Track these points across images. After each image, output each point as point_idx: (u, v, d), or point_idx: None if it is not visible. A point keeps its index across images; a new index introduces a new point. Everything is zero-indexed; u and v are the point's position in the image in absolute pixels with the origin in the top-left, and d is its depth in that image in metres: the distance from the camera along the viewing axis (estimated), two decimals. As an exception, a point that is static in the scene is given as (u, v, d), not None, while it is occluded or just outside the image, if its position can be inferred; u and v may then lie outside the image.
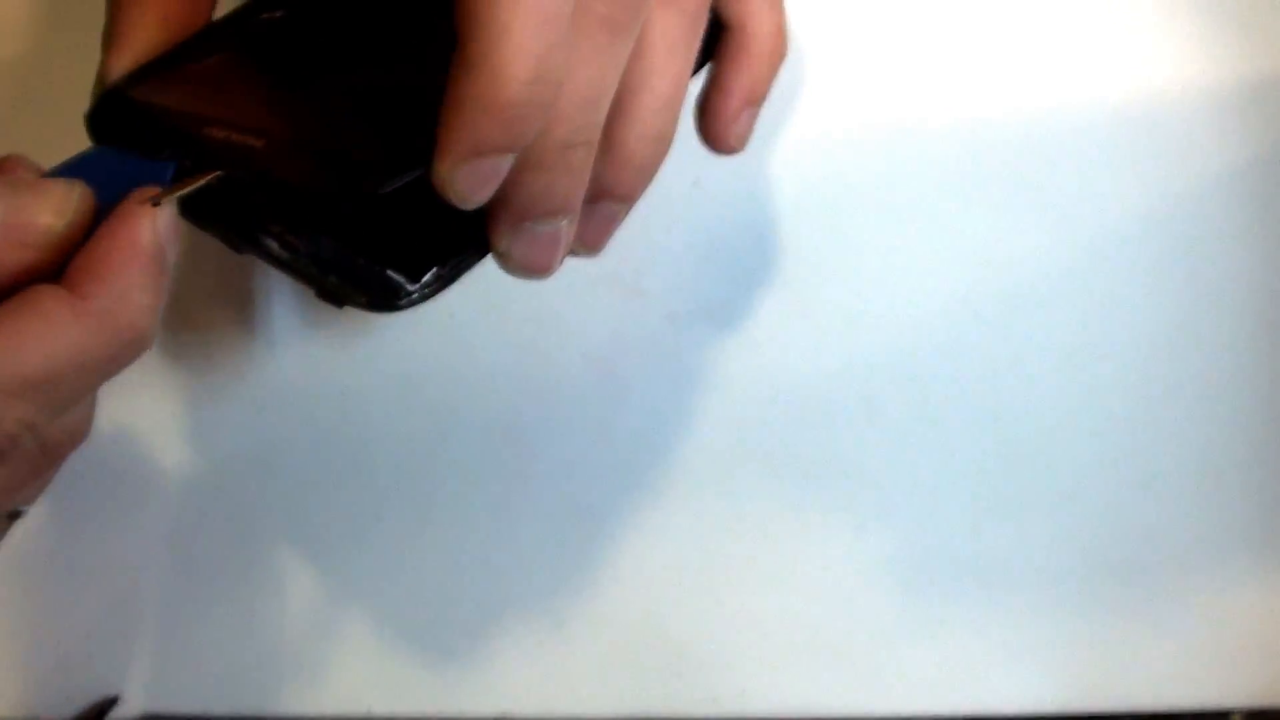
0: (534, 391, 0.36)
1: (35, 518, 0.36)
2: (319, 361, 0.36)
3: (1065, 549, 0.36)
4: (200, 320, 0.36)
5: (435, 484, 0.36)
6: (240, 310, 0.36)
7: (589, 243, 0.27)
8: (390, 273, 0.25)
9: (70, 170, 0.24)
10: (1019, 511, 0.36)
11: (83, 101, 0.26)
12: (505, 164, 0.23)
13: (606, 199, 0.26)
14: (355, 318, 0.36)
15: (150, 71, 0.25)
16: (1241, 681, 0.37)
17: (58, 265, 0.23)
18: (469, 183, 0.23)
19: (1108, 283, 0.36)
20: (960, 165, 0.36)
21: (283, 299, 0.36)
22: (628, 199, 0.27)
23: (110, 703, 0.36)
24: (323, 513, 0.36)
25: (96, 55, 0.26)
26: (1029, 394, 0.36)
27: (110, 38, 0.26)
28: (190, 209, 0.25)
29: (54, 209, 0.23)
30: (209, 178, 0.24)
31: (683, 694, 0.37)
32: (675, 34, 0.25)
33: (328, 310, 0.36)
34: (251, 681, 0.37)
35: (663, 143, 0.26)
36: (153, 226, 0.23)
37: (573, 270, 0.36)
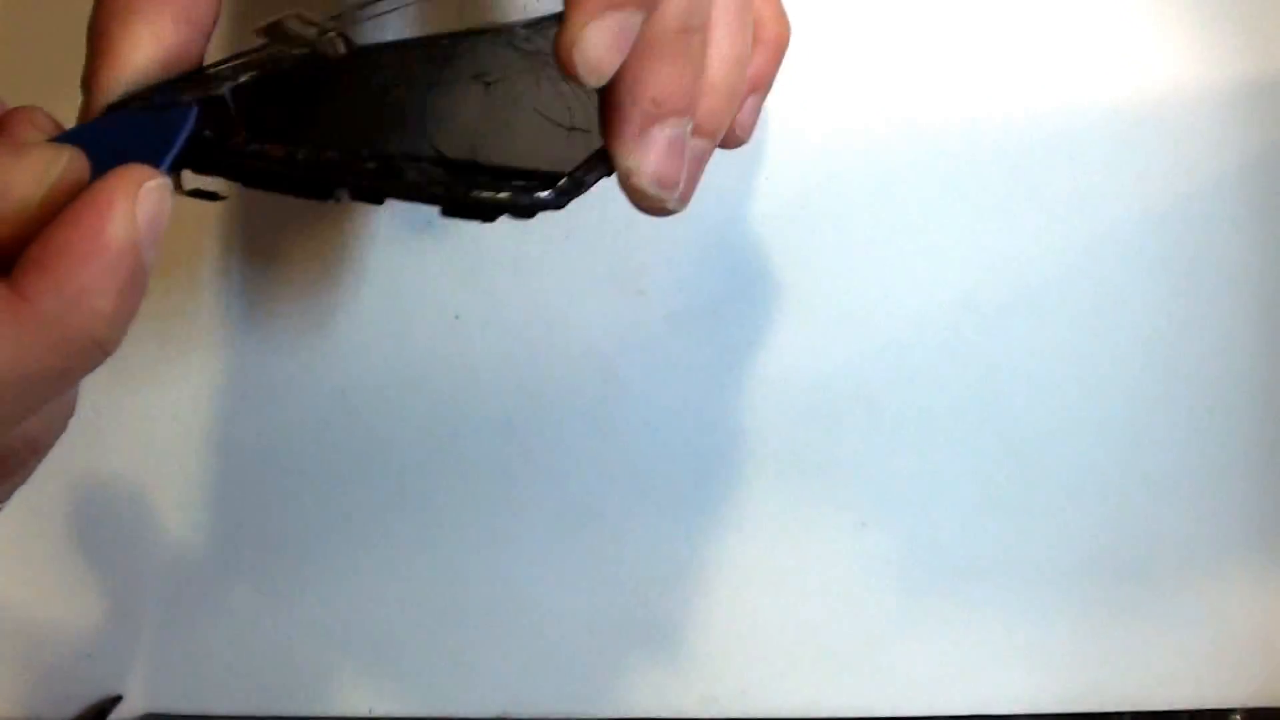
0: (534, 391, 0.36)
1: (35, 517, 0.36)
2: (319, 362, 0.36)
3: (1065, 549, 0.36)
4: (200, 319, 0.36)
5: (435, 484, 0.36)
6: (241, 310, 0.36)
7: (683, 188, 0.26)
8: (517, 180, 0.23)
9: (81, 135, 0.21)
10: (1019, 511, 0.36)
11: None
12: (634, 25, 0.22)
13: (698, 134, 0.25)
14: (354, 320, 0.36)
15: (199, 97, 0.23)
16: (1241, 681, 0.37)
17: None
18: (601, 41, 0.21)
19: (1108, 283, 0.36)
20: (960, 165, 0.36)
21: (284, 300, 0.36)
22: (714, 132, 0.25)
23: (111, 703, 0.36)
24: (323, 513, 0.36)
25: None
26: (1029, 394, 0.36)
27: (101, 56, 0.23)
28: (246, 168, 0.23)
29: (33, 176, 0.20)
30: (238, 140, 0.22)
31: (683, 694, 0.37)
32: None
33: (328, 311, 0.36)
34: (251, 681, 0.37)
35: (740, 65, 0.25)
36: (127, 215, 0.20)
37: (573, 270, 0.36)
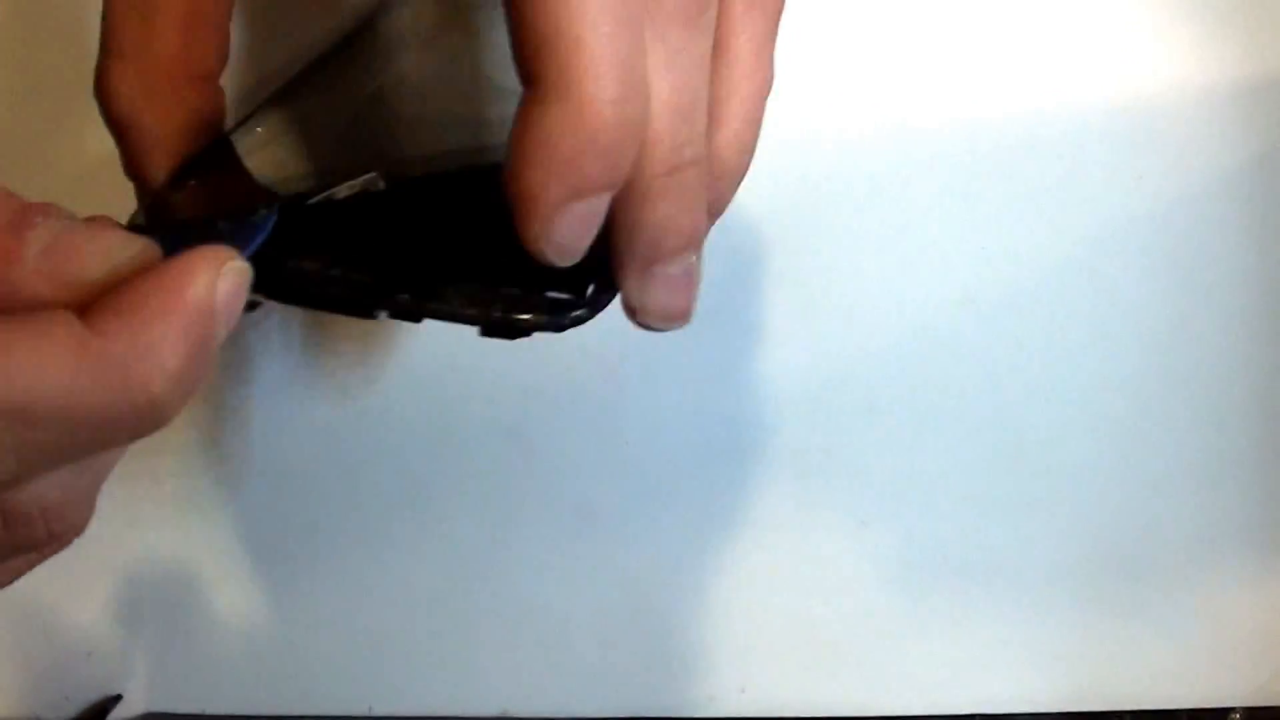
0: (534, 391, 0.36)
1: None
2: (319, 362, 0.36)
3: (1065, 548, 0.37)
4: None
5: (435, 483, 0.36)
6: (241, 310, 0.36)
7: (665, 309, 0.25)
8: (550, 293, 0.24)
9: (161, 233, 0.21)
10: (1019, 511, 0.36)
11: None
12: (603, 205, 0.21)
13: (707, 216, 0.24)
14: (355, 320, 0.36)
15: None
16: (1241, 681, 0.37)
17: None
18: (568, 234, 0.20)
19: (1108, 282, 0.36)
20: (960, 165, 0.36)
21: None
22: (717, 214, 0.24)
23: (111, 702, 0.36)
24: (323, 512, 0.36)
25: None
26: (1029, 393, 0.36)
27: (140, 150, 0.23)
28: (297, 288, 0.23)
29: (102, 252, 0.19)
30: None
31: (682, 694, 0.37)
32: (760, 35, 0.23)
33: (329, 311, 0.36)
34: (251, 681, 0.37)
35: (751, 151, 0.24)
36: (208, 284, 0.19)
37: (573, 270, 0.36)
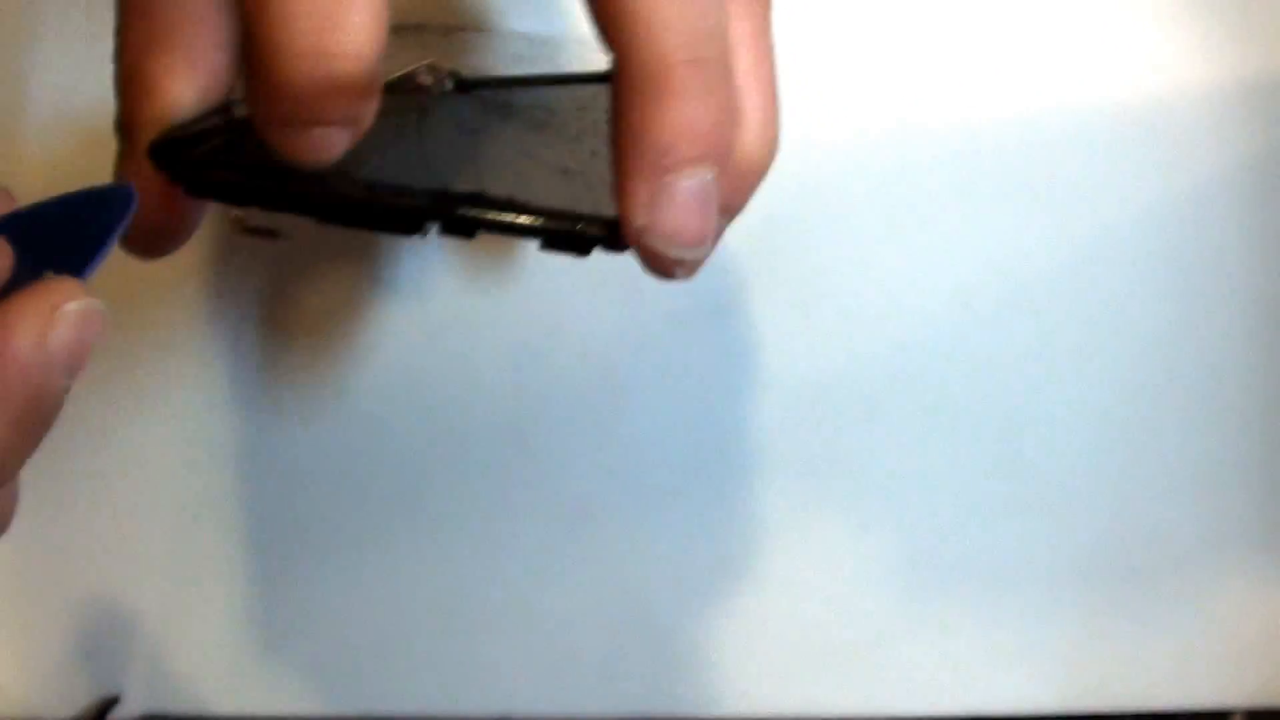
0: (534, 391, 0.36)
1: (36, 517, 0.36)
2: (318, 362, 0.36)
3: (1065, 549, 0.36)
4: (200, 319, 0.36)
5: (435, 484, 0.36)
6: (240, 310, 0.36)
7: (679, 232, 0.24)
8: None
9: (14, 222, 0.20)
10: (1019, 512, 0.36)
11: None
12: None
13: (725, 214, 0.23)
14: (355, 320, 0.36)
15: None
16: (1241, 681, 0.37)
17: None
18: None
19: (1108, 282, 0.36)
20: (960, 165, 0.36)
21: (283, 300, 0.36)
22: (735, 212, 0.24)
23: (111, 702, 0.36)
24: (322, 512, 0.36)
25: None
26: (1029, 394, 0.36)
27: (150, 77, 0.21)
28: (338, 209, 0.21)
29: None
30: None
31: (683, 694, 0.37)
32: (761, 23, 0.23)
33: (327, 311, 0.36)
34: (251, 681, 0.37)
35: (775, 143, 0.23)
36: (35, 337, 0.18)
37: (573, 271, 0.36)
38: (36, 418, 0.18)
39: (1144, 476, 0.36)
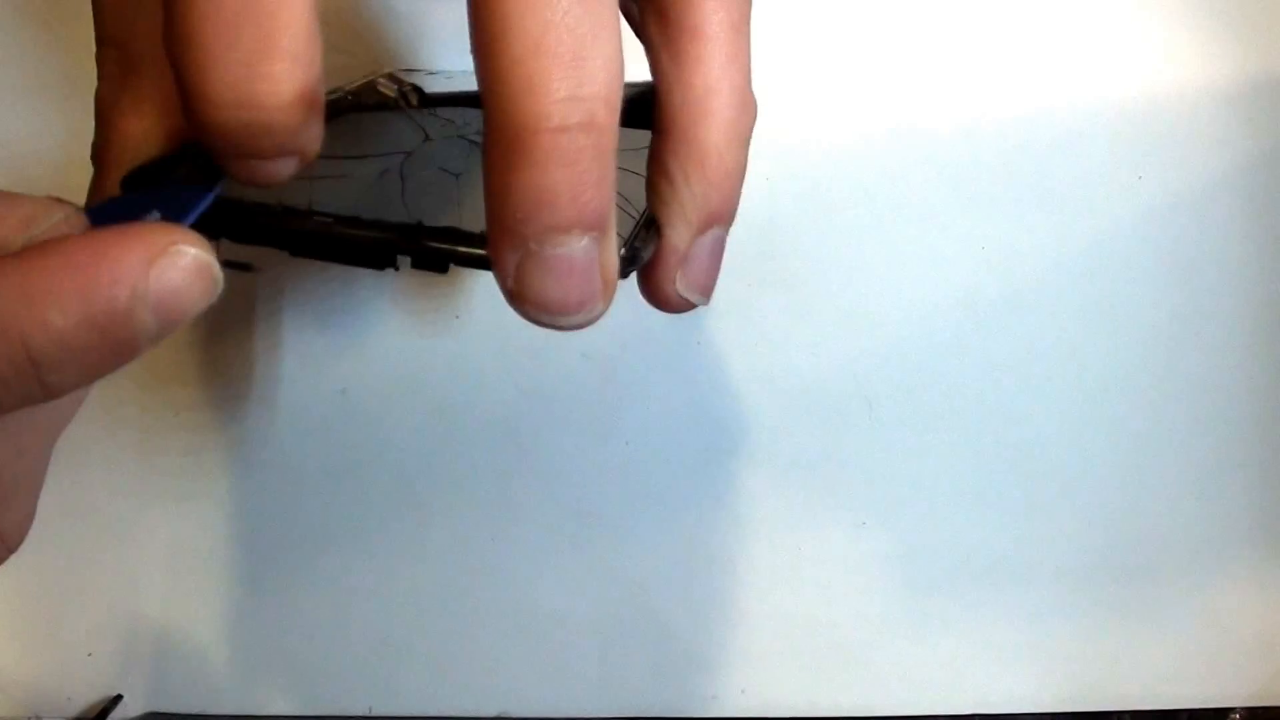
0: (534, 390, 0.36)
1: (36, 518, 0.36)
2: (319, 361, 0.36)
3: (1065, 548, 0.36)
4: (200, 320, 0.36)
5: (435, 483, 0.36)
6: (241, 310, 0.36)
7: (702, 284, 0.23)
8: None
9: (102, 211, 0.20)
10: (1019, 511, 0.36)
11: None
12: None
13: (714, 222, 0.23)
14: (354, 319, 0.36)
15: None
16: (1241, 681, 0.37)
17: None
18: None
19: (1107, 282, 0.36)
20: (960, 165, 0.36)
21: (283, 299, 0.36)
22: (729, 216, 0.23)
23: (111, 702, 0.36)
24: (322, 512, 0.36)
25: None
26: (1029, 393, 0.36)
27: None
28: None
29: (21, 219, 0.18)
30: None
31: (683, 694, 0.37)
32: (737, 17, 0.22)
33: (328, 311, 0.36)
34: (251, 681, 0.37)
35: (747, 142, 0.23)
36: (140, 258, 0.17)
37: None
38: (108, 336, 0.18)
39: (1143, 475, 0.37)
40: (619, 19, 0.19)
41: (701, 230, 0.23)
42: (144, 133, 0.22)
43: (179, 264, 0.18)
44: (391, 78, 0.27)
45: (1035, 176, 0.36)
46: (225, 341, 0.36)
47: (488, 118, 0.19)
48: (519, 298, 0.20)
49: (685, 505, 0.36)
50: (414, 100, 0.25)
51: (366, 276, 0.36)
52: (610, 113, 0.19)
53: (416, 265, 0.22)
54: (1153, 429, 0.36)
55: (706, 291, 0.23)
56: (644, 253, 0.22)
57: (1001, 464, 0.36)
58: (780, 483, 0.36)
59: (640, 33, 0.23)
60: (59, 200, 0.19)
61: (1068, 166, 0.36)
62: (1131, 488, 0.37)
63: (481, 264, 0.21)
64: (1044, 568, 0.36)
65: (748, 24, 0.23)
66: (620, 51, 0.19)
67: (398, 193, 0.24)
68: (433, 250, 0.21)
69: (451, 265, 0.21)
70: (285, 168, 0.20)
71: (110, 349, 0.18)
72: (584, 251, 0.19)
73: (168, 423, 0.36)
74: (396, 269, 0.22)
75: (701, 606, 0.37)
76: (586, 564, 0.36)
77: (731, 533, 0.36)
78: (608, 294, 0.20)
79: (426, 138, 0.26)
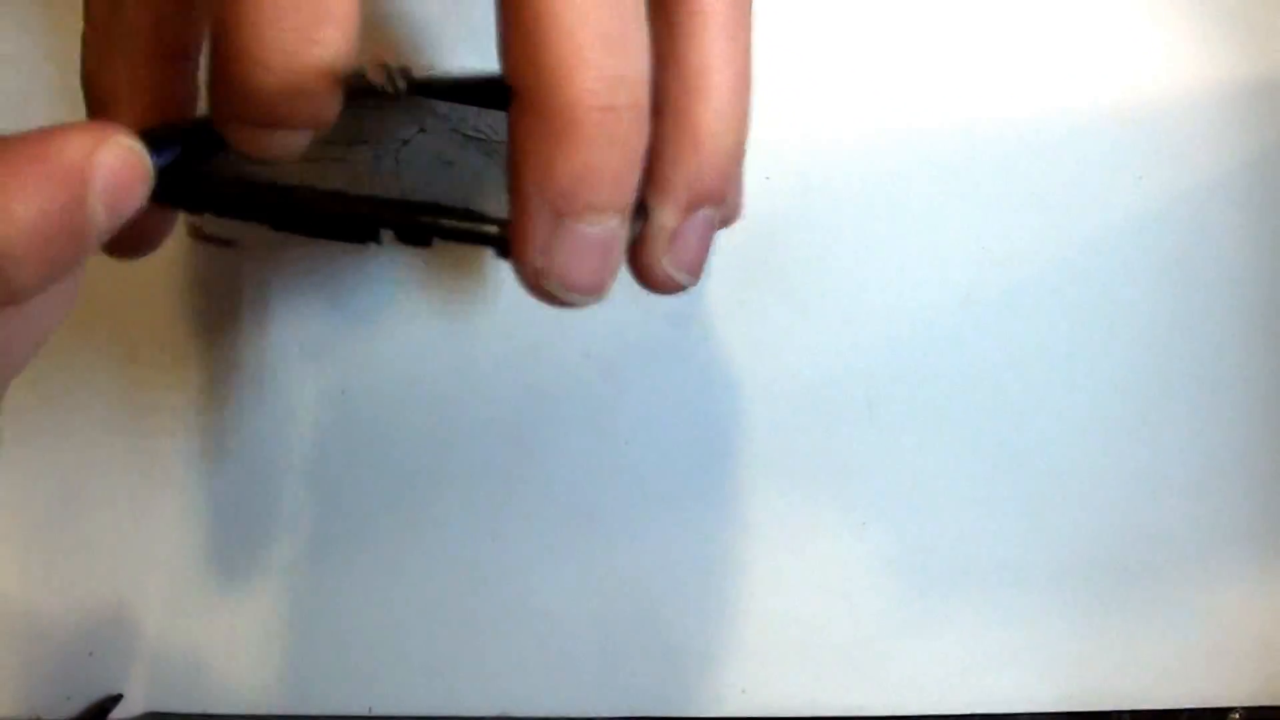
0: (534, 390, 0.36)
1: (34, 515, 0.36)
2: (319, 361, 0.36)
3: (1065, 548, 0.36)
4: (200, 320, 0.36)
5: (435, 483, 0.36)
6: (241, 310, 0.36)
7: (690, 263, 0.23)
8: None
9: None
10: (1019, 510, 0.36)
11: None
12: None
13: (704, 202, 0.22)
14: (354, 319, 0.36)
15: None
16: (1241, 681, 0.37)
17: None
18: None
19: (1107, 282, 0.36)
20: (960, 165, 0.36)
21: (283, 298, 0.36)
22: (719, 197, 0.23)
23: (111, 702, 0.36)
24: (322, 511, 0.36)
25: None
26: (1029, 394, 0.36)
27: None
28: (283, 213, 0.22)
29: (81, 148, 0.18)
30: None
31: (683, 694, 0.37)
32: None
33: (327, 310, 0.36)
34: (251, 681, 0.37)
35: (744, 124, 0.22)
36: (84, 146, 0.18)
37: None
38: (68, 229, 0.18)
39: (1143, 475, 0.37)
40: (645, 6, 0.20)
41: (690, 210, 0.22)
42: (132, 104, 0.22)
43: (115, 152, 0.18)
44: (382, 66, 0.27)
45: (1035, 176, 0.36)
46: (224, 341, 0.36)
47: (524, 93, 0.19)
48: (545, 274, 0.20)
49: (685, 505, 0.36)
50: (401, 85, 0.25)
51: (367, 277, 0.36)
52: (647, 97, 0.19)
53: (400, 239, 0.22)
54: (1152, 429, 0.36)
55: (695, 271, 0.23)
56: (631, 231, 0.22)
57: (1002, 464, 0.36)
58: (780, 483, 0.36)
59: None
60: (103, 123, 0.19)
61: (1068, 166, 0.36)
62: (1131, 487, 0.37)
63: (466, 237, 0.21)
64: (1044, 567, 0.36)
65: (749, 1, 0.22)
66: (648, 37, 0.20)
67: (385, 177, 0.24)
68: (416, 224, 0.21)
69: (436, 240, 0.22)
70: (302, 140, 0.20)
71: (68, 239, 0.18)
72: (614, 231, 0.20)
73: (168, 424, 0.36)
74: (380, 243, 0.22)
75: (701, 606, 0.37)
76: (586, 564, 0.36)
77: (731, 532, 0.36)
78: (617, 274, 0.21)
79: (421, 129, 0.26)
